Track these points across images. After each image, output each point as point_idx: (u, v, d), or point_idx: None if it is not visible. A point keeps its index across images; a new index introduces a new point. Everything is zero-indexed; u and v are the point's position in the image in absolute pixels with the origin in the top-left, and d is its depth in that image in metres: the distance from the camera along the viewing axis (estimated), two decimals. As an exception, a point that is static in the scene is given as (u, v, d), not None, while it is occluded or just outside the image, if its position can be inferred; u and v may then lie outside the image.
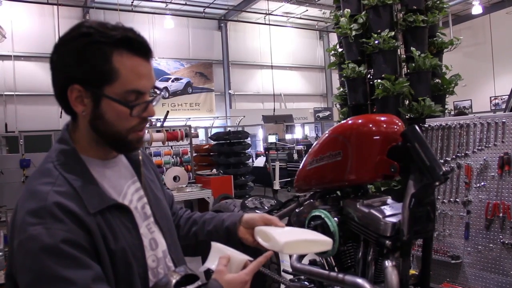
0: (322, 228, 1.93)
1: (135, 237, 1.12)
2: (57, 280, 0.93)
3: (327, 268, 2.14)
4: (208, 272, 1.19)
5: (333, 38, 18.80)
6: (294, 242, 1.24)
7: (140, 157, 1.28)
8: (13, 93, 14.55)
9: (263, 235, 1.32)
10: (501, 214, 2.89)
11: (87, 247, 0.99)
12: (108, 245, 1.04)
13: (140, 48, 1.08)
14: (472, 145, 3.11)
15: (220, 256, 1.15)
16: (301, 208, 2.26)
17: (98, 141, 1.12)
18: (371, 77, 4.42)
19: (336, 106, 5.19)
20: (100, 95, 1.06)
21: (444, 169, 1.63)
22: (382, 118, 1.92)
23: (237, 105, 19.63)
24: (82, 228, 1.00)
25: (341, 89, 4.85)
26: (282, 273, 2.94)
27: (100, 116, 1.08)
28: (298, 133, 18.50)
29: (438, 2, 4.49)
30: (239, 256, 1.16)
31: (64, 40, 1.07)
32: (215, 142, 10.82)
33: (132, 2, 15.76)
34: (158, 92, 1.17)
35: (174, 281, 1.06)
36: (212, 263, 1.17)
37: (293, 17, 19.70)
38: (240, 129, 14.32)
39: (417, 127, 1.73)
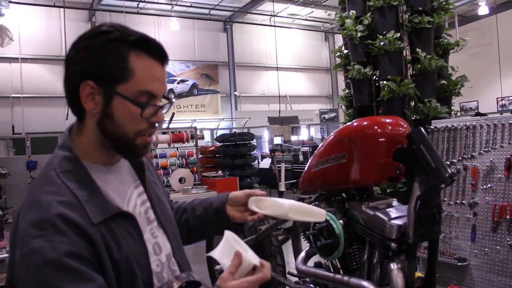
0: (328, 230, 1.93)
1: (139, 244, 1.11)
2: None
3: (332, 270, 2.13)
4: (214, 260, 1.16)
5: (339, 40, 18.81)
6: (297, 206, 1.27)
7: (144, 159, 1.27)
8: (20, 95, 14.63)
9: (260, 204, 1.33)
10: (508, 216, 2.88)
11: (90, 259, 0.99)
12: (111, 255, 1.03)
13: (157, 51, 1.09)
14: (478, 147, 3.10)
15: (232, 261, 1.08)
16: (306, 210, 2.25)
17: (103, 144, 1.11)
18: (376, 78, 4.41)
19: (341, 108, 5.18)
20: (113, 92, 1.06)
21: (450, 171, 1.62)
22: (388, 120, 1.92)
23: (243, 107, 19.64)
24: (85, 239, 0.99)
25: (347, 91, 4.85)
26: (287, 275, 2.94)
27: (110, 115, 1.07)
28: (303, 134, 18.45)
29: (444, 3, 4.48)
30: (249, 259, 1.10)
31: (83, 38, 1.08)
32: (220, 144, 10.84)
33: (138, 5, 15.84)
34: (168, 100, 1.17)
35: (176, 286, 1.06)
36: (220, 255, 1.12)
37: (299, 18, 19.70)
38: (245, 130, 14.33)
39: (422, 129, 1.72)
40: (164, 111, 1.14)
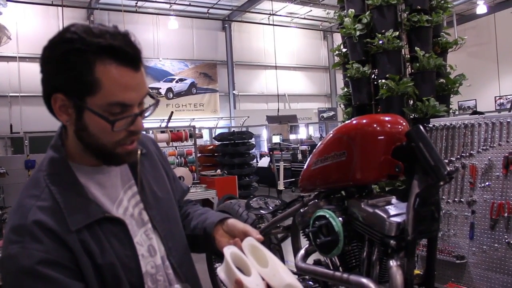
0: (327, 228, 1.94)
1: (128, 248, 1.09)
2: None
3: (331, 268, 2.14)
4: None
5: (337, 38, 18.78)
6: (295, 286, 1.08)
7: (138, 156, 1.22)
8: (18, 94, 14.61)
9: (256, 253, 1.14)
10: (506, 214, 2.89)
11: (68, 265, 0.98)
12: (94, 260, 1.02)
13: (126, 57, 1.00)
14: (476, 145, 3.11)
15: (234, 286, 1.03)
16: (305, 208, 2.26)
17: (86, 150, 1.08)
18: (375, 77, 4.42)
19: (340, 106, 5.19)
20: (82, 106, 1.00)
21: (448, 169, 1.63)
22: (387, 118, 1.92)
23: (241, 106, 19.65)
24: (62, 246, 0.99)
25: (345, 89, 4.85)
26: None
27: (84, 127, 1.03)
28: (302, 133, 18.49)
29: (442, 1, 4.48)
30: (248, 286, 1.03)
31: (49, 45, 1.02)
32: (219, 143, 10.85)
33: (136, 3, 15.80)
34: (153, 99, 1.10)
35: None
36: (221, 274, 1.08)
37: (297, 17, 19.70)
38: (244, 129, 14.34)
39: (421, 127, 1.73)
40: (147, 114, 1.08)
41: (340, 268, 2.09)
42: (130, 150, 1.09)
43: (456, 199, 3.19)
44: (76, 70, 0.97)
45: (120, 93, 1.00)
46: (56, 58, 0.99)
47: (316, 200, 2.20)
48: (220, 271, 1.07)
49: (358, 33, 4.35)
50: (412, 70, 4.29)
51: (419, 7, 4.25)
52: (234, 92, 19.48)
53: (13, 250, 0.96)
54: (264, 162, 13.99)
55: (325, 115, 19.50)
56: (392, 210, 1.84)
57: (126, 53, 1.00)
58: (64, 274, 0.97)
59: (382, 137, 1.85)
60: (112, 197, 1.13)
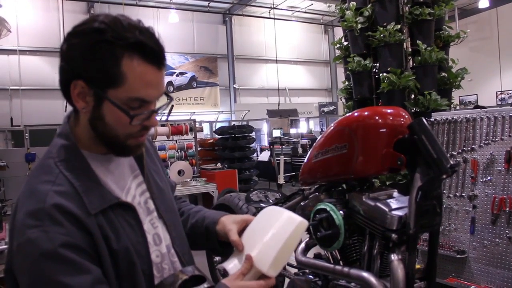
0: (328, 221, 1.92)
1: (139, 234, 1.11)
2: (55, 286, 0.93)
3: (332, 261, 2.13)
4: (225, 273, 1.14)
5: (338, 33, 18.73)
6: (275, 258, 1.10)
7: (147, 145, 1.25)
8: (18, 87, 14.58)
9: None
10: (507, 209, 2.88)
11: (87, 249, 0.98)
12: (110, 245, 1.03)
13: (153, 55, 1.03)
14: (478, 139, 3.10)
15: (243, 264, 1.10)
16: (306, 201, 2.24)
17: (97, 138, 1.09)
18: (376, 70, 4.39)
19: (341, 100, 5.17)
20: (103, 97, 1.02)
21: (451, 162, 1.61)
22: (389, 111, 1.90)
23: (242, 100, 19.62)
24: (82, 230, 0.99)
25: (346, 83, 4.84)
26: (286, 267, 2.94)
27: (100, 117, 1.04)
28: (302, 127, 18.44)
29: (444, -6, 4.45)
30: (259, 266, 1.09)
31: (76, 32, 1.02)
32: (219, 136, 10.83)
33: (136, -4, 15.76)
34: (167, 100, 1.15)
35: (180, 281, 1.05)
36: (230, 263, 1.13)
37: (298, 11, 19.64)
38: (244, 123, 14.31)
39: (424, 119, 1.71)
40: (159, 112, 1.11)
41: (341, 262, 2.08)
42: (140, 142, 1.12)
43: (457, 194, 3.18)
44: (103, 61, 0.99)
45: (142, 89, 1.02)
46: (85, 46, 0.99)
47: (317, 193, 2.19)
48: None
49: (359, 26, 4.33)
50: (414, 64, 4.27)
51: (421, 0, 4.23)
52: (234, 86, 19.45)
53: (33, 234, 0.94)
54: (264, 156, 13.97)
55: (325, 109, 19.46)
56: (393, 203, 1.82)
57: (154, 51, 1.03)
58: (84, 258, 0.97)
59: (384, 130, 1.83)
60: (120, 184, 1.14)
